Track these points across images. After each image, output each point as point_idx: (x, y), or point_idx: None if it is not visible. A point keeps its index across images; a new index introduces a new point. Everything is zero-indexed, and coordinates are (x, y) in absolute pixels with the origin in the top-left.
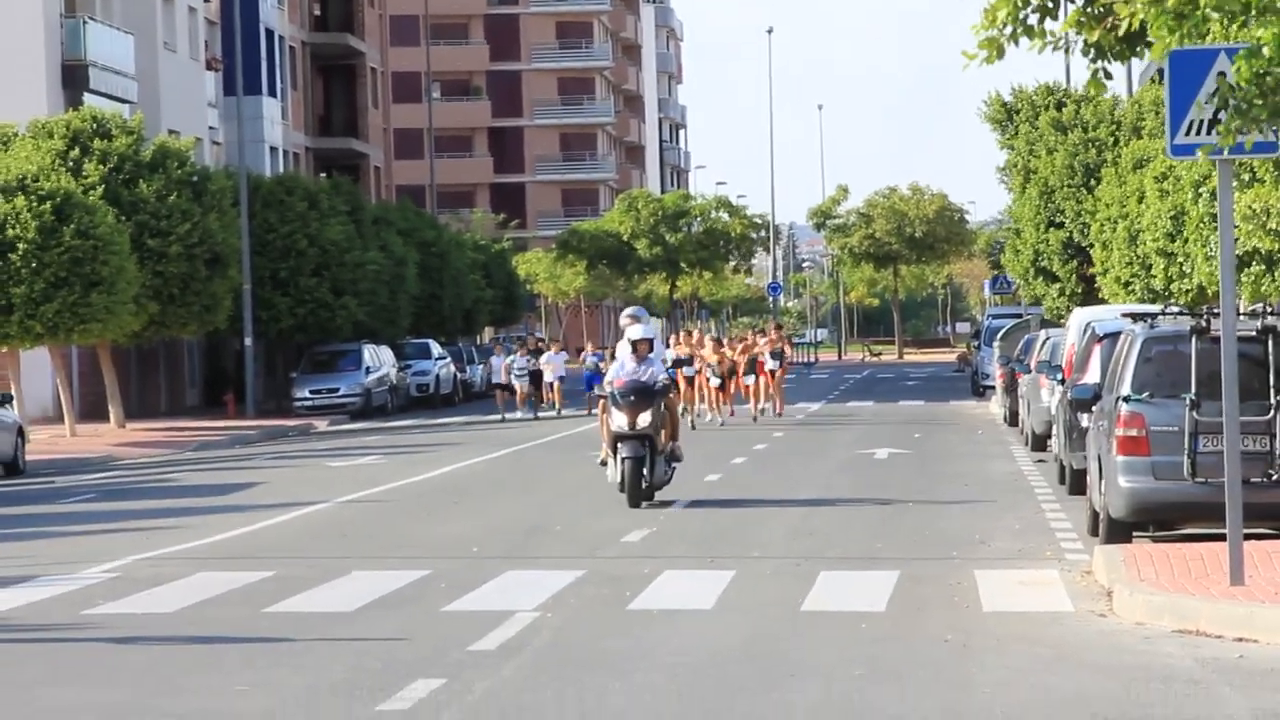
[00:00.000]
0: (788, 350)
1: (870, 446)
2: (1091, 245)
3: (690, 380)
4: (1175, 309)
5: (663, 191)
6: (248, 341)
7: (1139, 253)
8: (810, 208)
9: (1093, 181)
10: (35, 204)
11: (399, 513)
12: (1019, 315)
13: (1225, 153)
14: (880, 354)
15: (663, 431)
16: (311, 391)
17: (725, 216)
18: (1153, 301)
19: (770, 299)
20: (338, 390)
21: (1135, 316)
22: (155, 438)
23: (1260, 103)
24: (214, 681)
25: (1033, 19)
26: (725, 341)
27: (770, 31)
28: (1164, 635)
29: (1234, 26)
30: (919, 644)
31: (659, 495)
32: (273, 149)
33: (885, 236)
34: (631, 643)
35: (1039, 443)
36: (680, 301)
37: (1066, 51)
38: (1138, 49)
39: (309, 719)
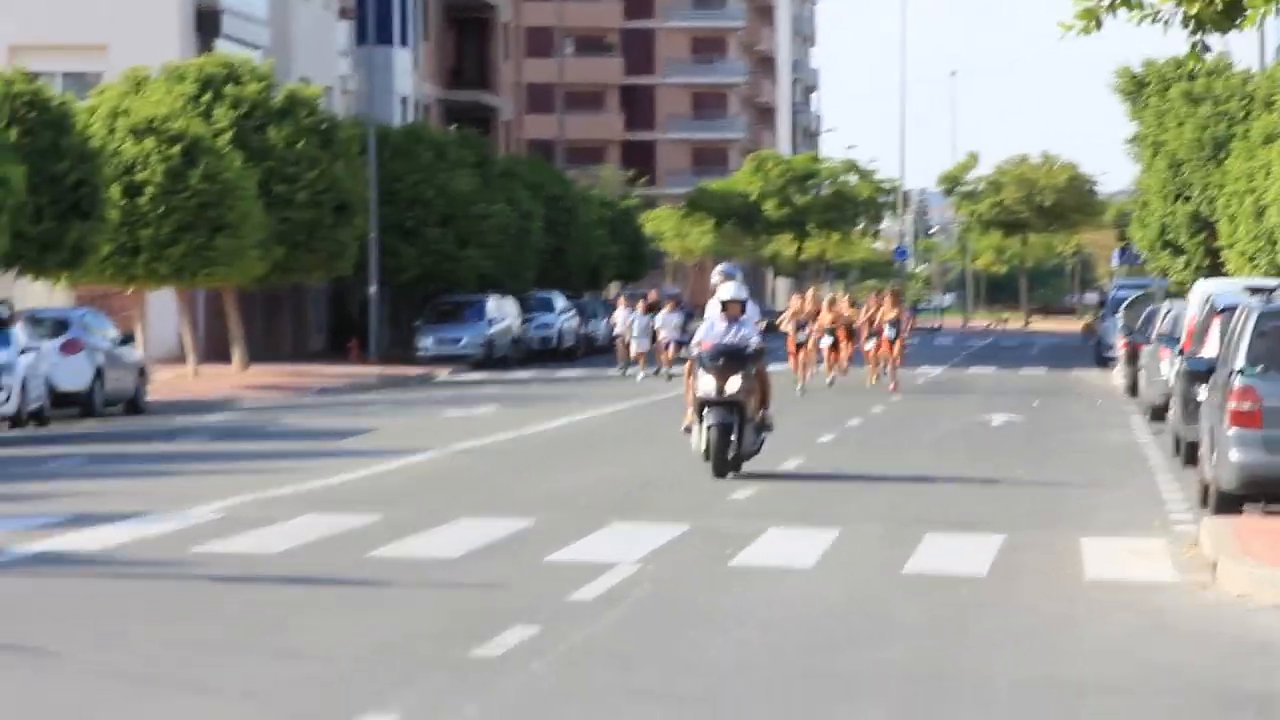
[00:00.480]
0: (906, 320)
1: (987, 412)
2: (1217, 219)
3: (802, 345)
4: None
5: (793, 153)
6: (372, 289)
7: (1265, 227)
8: (940, 173)
9: (1222, 155)
10: (164, 146)
11: (511, 463)
12: (1146, 286)
13: None
14: (1007, 320)
15: (752, 398)
16: (435, 340)
17: (854, 180)
18: (1278, 276)
19: (897, 263)
20: (460, 340)
21: (1256, 290)
22: (277, 381)
23: None
24: (311, 622)
25: None
26: (839, 300)
27: None
28: (1266, 608)
29: None
30: (1019, 610)
31: (746, 466)
32: (403, 99)
33: (1014, 204)
34: (731, 598)
35: (1158, 414)
36: (807, 263)
37: (1166, 24)
38: (1236, 21)
39: (402, 662)
